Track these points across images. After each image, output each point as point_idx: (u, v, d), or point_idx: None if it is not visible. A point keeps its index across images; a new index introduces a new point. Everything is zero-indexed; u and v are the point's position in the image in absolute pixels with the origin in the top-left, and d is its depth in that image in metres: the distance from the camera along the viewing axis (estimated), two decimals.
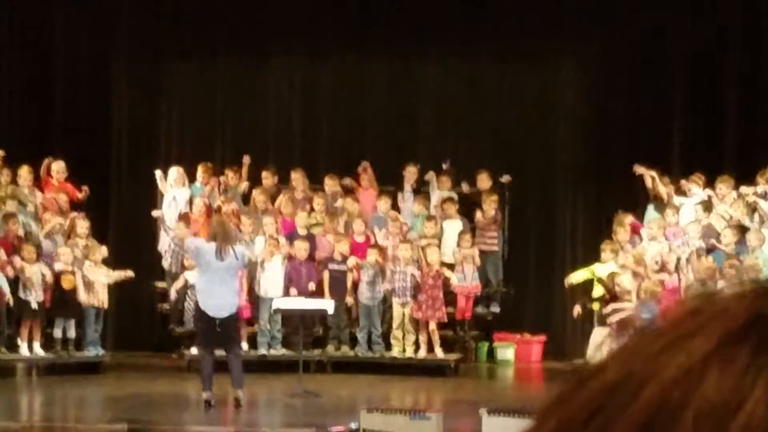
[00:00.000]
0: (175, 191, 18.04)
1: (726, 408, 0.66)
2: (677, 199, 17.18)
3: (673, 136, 18.86)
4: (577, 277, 16.46)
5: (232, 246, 13.68)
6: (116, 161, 19.65)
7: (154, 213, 18.08)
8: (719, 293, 0.72)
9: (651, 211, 17.29)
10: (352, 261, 17.23)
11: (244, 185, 18.34)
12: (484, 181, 18.28)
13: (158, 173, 18.08)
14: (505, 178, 18.34)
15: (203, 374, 13.84)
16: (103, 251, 17.04)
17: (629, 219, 16.99)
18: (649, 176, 17.18)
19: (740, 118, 18.55)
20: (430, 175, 18.31)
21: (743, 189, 16.84)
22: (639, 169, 17.17)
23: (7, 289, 16.04)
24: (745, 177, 16.98)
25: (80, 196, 17.76)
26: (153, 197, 18.46)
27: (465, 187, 18.48)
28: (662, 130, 18.75)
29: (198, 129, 19.67)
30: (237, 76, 19.67)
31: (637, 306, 15.23)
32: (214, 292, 13.50)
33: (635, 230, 17.00)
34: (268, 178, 18.28)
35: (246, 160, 18.36)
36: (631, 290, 15.53)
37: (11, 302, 16.07)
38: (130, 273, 17.02)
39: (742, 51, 18.60)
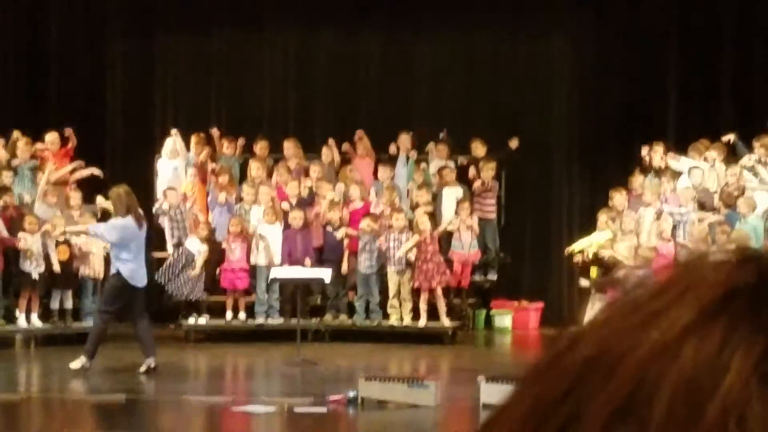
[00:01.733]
0: (174, 162, 18.05)
1: (702, 389, 0.65)
2: (676, 164, 17.16)
3: (669, 106, 18.84)
4: (577, 246, 16.47)
5: (140, 214, 14.03)
6: (111, 135, 19.63)
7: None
8: (697, 262, 0.70)
9: (651, 180, 17.31)
10: (341, 232, 17.23)
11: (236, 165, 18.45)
12: (478, 148, 18.28)
13: (173, 132, 18.06)
14: (514, 143, 18.32)
15: (96, 344, 14.05)
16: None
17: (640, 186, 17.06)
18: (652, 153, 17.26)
19: (735, 89, 18.52)
20: (430, 147, 18.36)
21: (743, 161, 16.79)
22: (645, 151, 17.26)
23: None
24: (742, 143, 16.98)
25: (71, 145, 17.73)
26: (150, 170, 18.45)
27: (460, 159, 18.46)
28: (658, 100, 18.73)
29: (193, 102, 19.63)
30: (231, 48, 19.63)
31: (629, 270, 15.26)
32: (140, 262, 13.90)
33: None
34: (263, 149, 18.30)
35: (240, 142, 18.40)
36: (628, 257, 15.56)
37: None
38: None
39: (736, 23, 18.54)
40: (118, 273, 13.74)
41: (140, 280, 13.88)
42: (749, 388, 0.64)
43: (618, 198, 16.67)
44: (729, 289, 0.68)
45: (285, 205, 17.54)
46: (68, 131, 17.77)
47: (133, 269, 13.73)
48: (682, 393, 0.65)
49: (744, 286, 0.68)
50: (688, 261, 0.71)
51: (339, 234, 17.22)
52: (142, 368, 13.90)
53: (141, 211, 14.07)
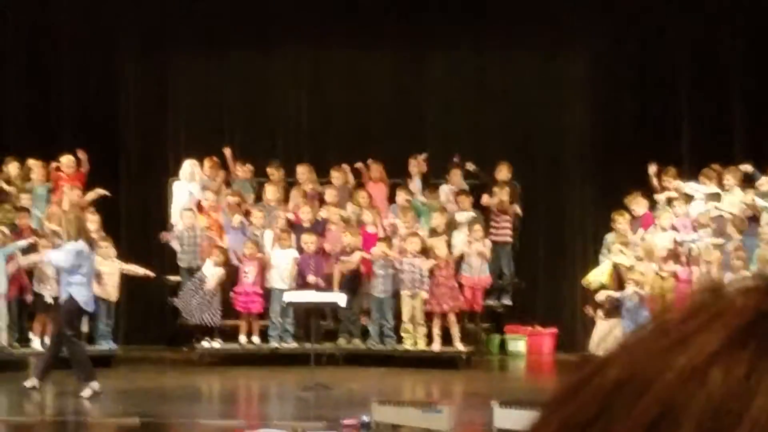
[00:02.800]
0: (190, 186, 18.07)
1: (729, 415, 0.64)
2: (690, 188, 17.15)
3: (682, 127, 18.83)
4: (594, 277, 16.41)
5: (90, 238, 14.36)
6: (126, 156, 19.64)
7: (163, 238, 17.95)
8: (725, 288, 0.70)
9: (663, 205, 17.31)
10: (357, 256, 17.19)
11: (220, 180, 18.40)
12: (503, 172, 18.23)
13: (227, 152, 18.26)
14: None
15: (87, 365, 14.14)
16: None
17: (641, 208, 17.06)
18: (656, 177, 17.30)
19: (749, 107, 18.51)
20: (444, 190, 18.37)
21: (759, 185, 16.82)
22: (652, 169, 17.28)
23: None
24: (755, 165, 16.98)
25: (83, 170, 17.79)
26: (163, 192, 18.49)
27: (471, 166, 18.39)
28: (671, 122, 18.73)
29: (206, 124, 19.64)
30: (244, 70, 19.64)
31: (625, 295, 15.32)
32: (90, 285, 14.22)
33: (648, 223, 17.00)
34: (274, 173, 18.29)
35: (227, 153, 18.40)
36: (645, 281, 15.54)
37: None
38: (150, 273, 16.99)
39: (746, 39, 18.54)
40: (72, 298, 13.92)
41: (91, 304, 14.30)
42: None
43: (620, 221, 16.71)
44: (758, 315, 0.67)
45: (290, 216, 17.56)
46: (81, 154, 17.81)
47: (86, 294, 14.04)
48: (710, 418, 0.64)
49: None
50: (716, 286, 0.71)
51: (355, 257, 17.17)
52: (28, 384, 14.04)
53: (92, 235, 14.34)
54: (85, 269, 13.97)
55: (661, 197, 17.26)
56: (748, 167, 16.91)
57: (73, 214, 14.42)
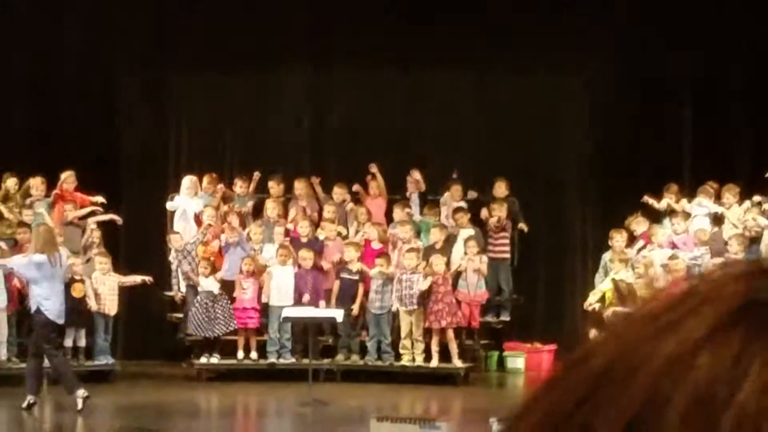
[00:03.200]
0: (188, 201, 18.08)
1: (716, 400, 0.64)
2: (691, 207, 17.16)
3: (683, 147, 18.83)
4: (595, 296, 16.42)
5: (58, 253, 14.25)
6: (126, 172, 19.64)
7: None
8: (715, 274, 0.70)
9: (666, 223, 17.34)
10: (357, 266, 17.19)
11: (250, 203, 18.42)
12: (501, 188, 18.25)
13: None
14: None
15: (70, 376, 14.08)
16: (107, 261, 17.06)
17: (641, 228, 17.08)
18: (655, 202, 17.34)
19: (749, 129, 18.51)
20: (445, 198, 18.37)
21: (756, 198, 16.84)
22: (647, 200, 17.32)
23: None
24: (755, 184, 16.98)
25: (94, 199, 17.80)
26: (163, 208, 18.48)
27: (471, 194, 18.46)
28: (671, 140, 18.73)
29: (207, 141, 19.65)
30: (245, 87, 19.65)
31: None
32: (57, 299, 14.09)
33: (647, 240, 17.02)
34: (274, 188, 18.32)
35: (256, 176, 18.43)
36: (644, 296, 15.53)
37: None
38: (148, 278, 16.96)
39: (746, 63, 18.57)
40: (41, 312, 13.91)
41: (61, 317, 14.21)
42: (765, 399, 0.64)
43: (618, 238, 16.72)
44: (747, 301, 0.67)
45: (289, 227, 17.55)
46: (99, 198, 17.84)
47: (55, 308, 13.99)
48: (696, 403, 0.64)
49: (762, 297, 0.67)
50: (705, 273, 0.70)
51: (354, 268, 17.16)
52: (24, 404, 13.92)
53: (59, 250, 14.36)
54: (50, 283, 13.95)
55: (662, 205, 17.29)
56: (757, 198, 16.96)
57: (43, 228, 14.45)
